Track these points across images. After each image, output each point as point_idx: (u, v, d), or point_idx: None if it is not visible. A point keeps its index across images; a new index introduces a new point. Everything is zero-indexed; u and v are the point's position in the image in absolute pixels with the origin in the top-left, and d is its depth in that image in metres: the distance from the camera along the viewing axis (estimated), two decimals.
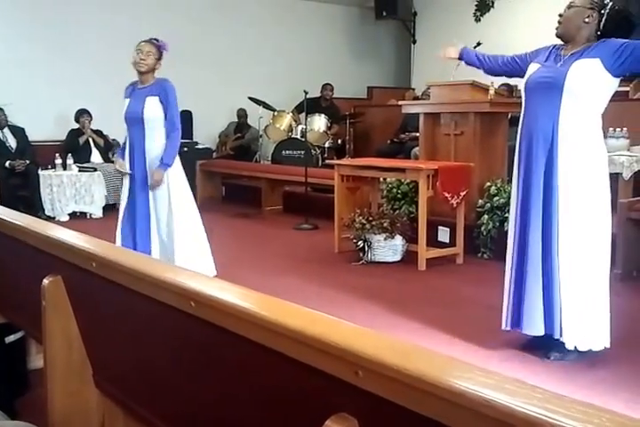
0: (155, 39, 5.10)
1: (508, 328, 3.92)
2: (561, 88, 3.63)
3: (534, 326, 3.80)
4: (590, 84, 3.63)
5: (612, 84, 3.67)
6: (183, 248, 5.07)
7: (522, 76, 3.93)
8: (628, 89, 8.80)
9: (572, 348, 3.72)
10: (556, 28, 3.78)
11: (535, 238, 3.77)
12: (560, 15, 3.79)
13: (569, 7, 3.77)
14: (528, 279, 3.80)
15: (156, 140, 5.04)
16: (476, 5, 11.76)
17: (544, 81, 3.71)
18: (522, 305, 3.83)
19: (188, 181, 5.29)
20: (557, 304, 3.70)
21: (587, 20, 3.71)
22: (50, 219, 8.43)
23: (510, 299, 3.91)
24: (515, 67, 4.07)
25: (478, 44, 5.40)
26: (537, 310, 3.78)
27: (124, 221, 5.20)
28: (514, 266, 3.90)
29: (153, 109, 5.00)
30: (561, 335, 3.71)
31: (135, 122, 5.07)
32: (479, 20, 11.78)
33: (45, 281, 2.08)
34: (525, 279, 3.81)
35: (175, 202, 5.08)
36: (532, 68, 3.86)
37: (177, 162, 5.12)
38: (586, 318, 3.69)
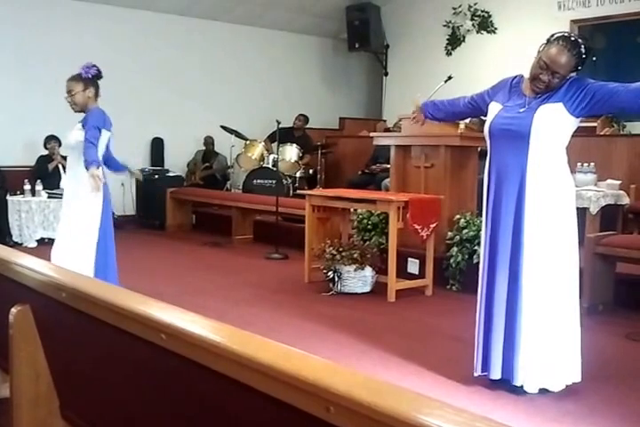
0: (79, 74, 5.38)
1: (478, 373, 3.88)
2: (527, 137, 3.60)
3: (493, 369, 3.78)
4: (555, 129, 3.62)
5: (575, 123, 3.67)
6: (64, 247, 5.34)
7: (485, 115, 3.92)
8: (595, 125, 8.93)
9: (535, 391, 3.71)
10: (544, 84, 3.60)
11: (503, 276, 3.74)
12: (547, 68, 3.56)
13: (557, 67, 3.55)
14: (494, 320, 3.77)
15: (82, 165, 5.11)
16: (448, 39, 11.93)
17: (509, 129, 3.66)
18: (489, 347, 3.79)
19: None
20: (517, 349, 3.68)
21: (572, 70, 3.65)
22: (17, 245, 8.38)
23: (481, 341, 3.85)
24: (475, 107, 4.07)
25: (449, 77, 5.45)
26: (497, 353, 3.76)
27: None
28: (483, 306, 3.84)
29: (76, 138, 5.16)
30: (517, 381, 3.69)
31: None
32: (450, 53, 11.94)
33: (13, 310, 2.06)
34: (492, 320, 3.78)
35: (75, 214, 5.45)
36: (494, 109, 3.81)
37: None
38: (547, 359, 3.68)
